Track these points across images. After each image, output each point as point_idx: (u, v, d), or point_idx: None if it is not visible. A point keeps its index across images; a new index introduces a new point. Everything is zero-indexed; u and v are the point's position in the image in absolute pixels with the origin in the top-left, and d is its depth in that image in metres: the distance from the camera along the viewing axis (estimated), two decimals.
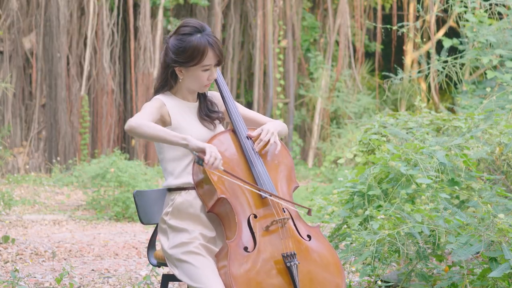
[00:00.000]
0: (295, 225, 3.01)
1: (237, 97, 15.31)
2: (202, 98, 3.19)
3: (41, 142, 13.29)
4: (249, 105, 14.45)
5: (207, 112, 3.16)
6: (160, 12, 13.69)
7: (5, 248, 6.33)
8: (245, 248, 2.87)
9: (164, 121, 3.06)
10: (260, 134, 3.10)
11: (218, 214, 3.01)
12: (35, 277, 5.14)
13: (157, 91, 3.13)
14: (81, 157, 13.06)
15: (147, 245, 6.82)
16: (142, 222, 3.28)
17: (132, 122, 2.90)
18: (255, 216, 2.95)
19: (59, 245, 6.68)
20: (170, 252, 2.99)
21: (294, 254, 2.89)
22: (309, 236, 3.01)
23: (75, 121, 13.23)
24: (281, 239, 2.92)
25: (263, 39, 14.39)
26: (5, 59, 12.97)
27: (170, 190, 3.09)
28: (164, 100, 3.07)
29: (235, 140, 3.10)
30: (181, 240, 2.96)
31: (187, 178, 3.05)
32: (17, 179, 11.62)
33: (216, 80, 3.19)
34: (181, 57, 3.02)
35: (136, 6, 14.00)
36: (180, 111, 3.09)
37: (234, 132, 3.12)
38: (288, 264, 2.86)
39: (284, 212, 3.00)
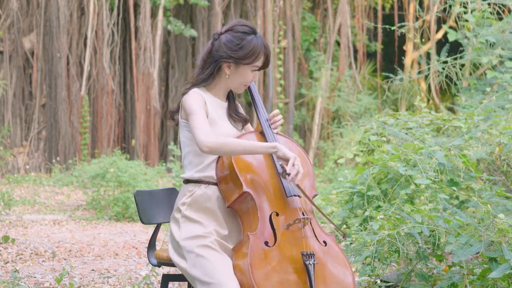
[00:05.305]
0: (313, 230, 3.04)
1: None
2: (231, 99, 3.29)
3: (41, 142, 13.29)
4: (249, 105, 14.45)
5: (236, 111, 3.26)
6: (160, 12, 13.69)
7: (5, 248, 6.33)
8: (266, 243, 2.90)
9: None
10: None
11: (238, 210, 3.03)
12: (35, 277, 5.14)
13: (197, 84, 3.15)
14: (81, 157, 13.06)
15: (147, 245, 6.82)
16: (142, 222, 3.29)
17: (211, 144, 2.91)
18: (277, 214, 2.98)
19: (59, 245, 6.68)
20: (182, 243, 2.98)
21: (313, 254, 2.92)
22: (325, 242, 3.04)
23: (75, 121, 13.22)
24: (302, 238, 2.96)
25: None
26: (5, 59, 12.97)
27: (188, 181, 3.11)
28: (203, 95, 3.11)
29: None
30: (196, 233, 2.97)
31: (210, 172, 3.07)
32: (17, 179, 11.62)
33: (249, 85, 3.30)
34: (238, 53, 3.08)
35: (136, 6, 14.00)
36: (213, 106, 3.15)
37: (261, 134, 3.17)
38: (307, 263, 2.89)
39: (304, 214, 3.02)
